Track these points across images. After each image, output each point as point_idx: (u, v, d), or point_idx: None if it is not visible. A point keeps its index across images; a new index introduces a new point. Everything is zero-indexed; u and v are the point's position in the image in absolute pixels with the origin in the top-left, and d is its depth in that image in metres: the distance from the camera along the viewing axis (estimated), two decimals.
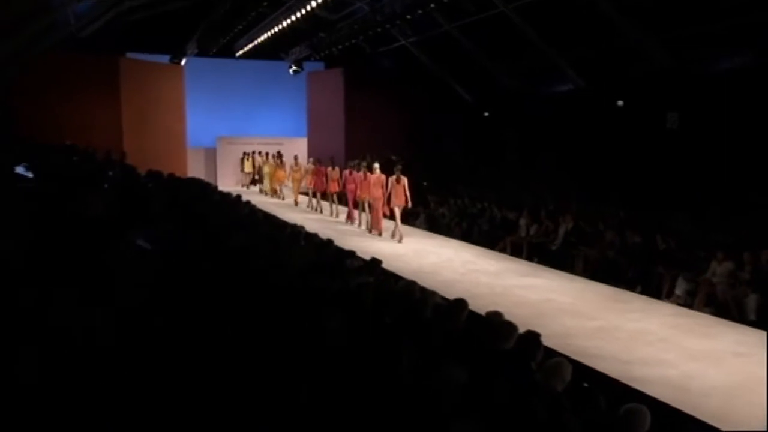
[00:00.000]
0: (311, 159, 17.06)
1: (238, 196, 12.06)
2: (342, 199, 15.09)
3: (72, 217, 4.88)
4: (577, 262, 10.20)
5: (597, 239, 10.36)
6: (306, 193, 16.50)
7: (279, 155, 17.47)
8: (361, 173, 13.13)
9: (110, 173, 12.27)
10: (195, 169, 19.69)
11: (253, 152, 20.73)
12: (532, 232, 11.73)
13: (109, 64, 17.41)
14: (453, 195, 14.83)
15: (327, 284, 5.41)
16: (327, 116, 21.46)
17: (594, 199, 12.45)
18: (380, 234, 12.36)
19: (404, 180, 11.92)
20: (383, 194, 12.13)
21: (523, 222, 12.04)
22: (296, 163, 17.53)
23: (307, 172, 16.51)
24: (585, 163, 14.78)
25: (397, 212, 11.92)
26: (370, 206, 12.77)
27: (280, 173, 18.91)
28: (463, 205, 14.09)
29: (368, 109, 20.63)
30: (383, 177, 12.35)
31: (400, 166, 12.52)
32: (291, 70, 20.95)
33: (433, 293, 5.54)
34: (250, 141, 21.54)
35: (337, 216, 15.00)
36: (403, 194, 11.81)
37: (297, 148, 20.09)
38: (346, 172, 14.30)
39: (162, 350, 3.16)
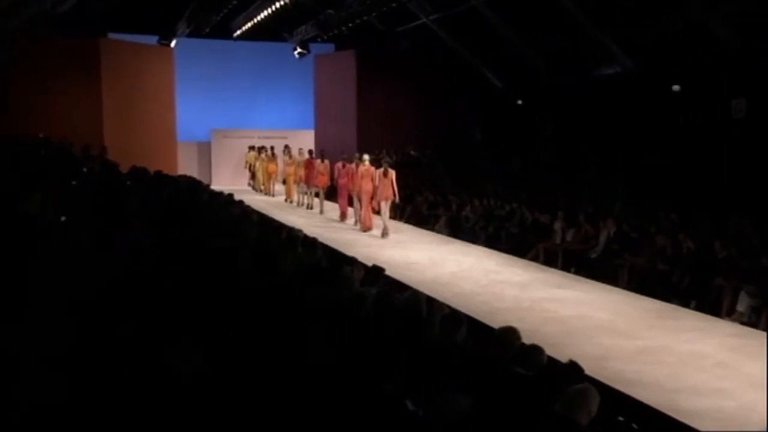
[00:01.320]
0: (300, 150, 17.58)
1: (230, 195, 12.24)
2: (331, 195, 16.05)
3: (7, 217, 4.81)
4: (621, 272, 10.08)
5: (644, 246, 10.24)
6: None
7: (287, 149, 17.64)
8: (352, 165, 13.91)
9: (84, 169, 12.33)
10: (186, 166, 19.78)
11: (262, 147, 20.52)
12: (568, 237, 11.70)
13: (89, 47, 17.51)
14: (478, 195, 14.83)
15: (317, 295, 5.36)
16: (337, 106, 21.60)
17: (641, 199, 12.33)
18: (370, 229, 13.21)
19: (392, 173, 12.81)
20: (372, 188, 12.96)
21: (558, 226, 11.99)
22: (289, 156, 17.95)
23: (299, 165, 17.02)
24: (632, 157, 14.58)
25: (384, 207, 12.73)
26: (359, 201, 13.57)
27: (272, 167, 19.25)
28: (490, 206, 14.08)
29: (384, 97, 20.75)
30: (372, 170, 13.14)
31: (388, 159, 13.09)
32: (296, 53, 21.00)
33: (441, 306, 5.41)
34: (249, 134, 21.58)
35: (321, 212, 15.82)
36: (390, 188, 12.66)
37: (303, 141, 20.12)
38: (339, 164, 14.93)
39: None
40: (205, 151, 21.89)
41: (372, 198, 13.15)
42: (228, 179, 21.04)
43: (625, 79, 15.80)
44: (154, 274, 5.12)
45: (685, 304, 8.69)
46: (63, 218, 6.17)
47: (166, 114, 19.43)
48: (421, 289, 7.94)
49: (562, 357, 4.40)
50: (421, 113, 20.85)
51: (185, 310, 4.43)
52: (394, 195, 12.71)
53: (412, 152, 20.81)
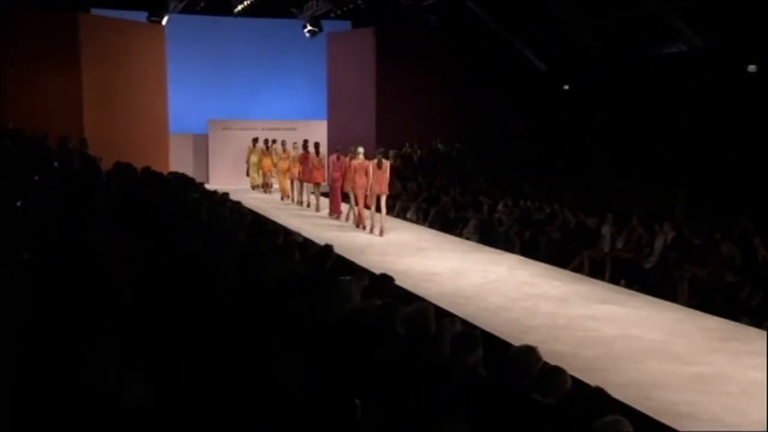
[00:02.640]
0: (294, 144, 18.01)
1: (225, 195, 12.48)
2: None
3: None
4: (681, 285, 9.93)
5: (709, 255, 10.10)
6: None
7: (304, 144, 17.53)
8: (347, 159, 14.58)
9: (55, 164, 12.46)
10: (180, 162, 19.88)
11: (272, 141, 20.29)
12: (619, 244, 11.57)
13: (66, 22, 17.60)
14: (514, 195, 14.88)
15: (299, 310, 5.39)
16: (353, 92, 21.73)
17: (706, 200, 12.20)
18: (365, 228, 14.00)
19: (387, 165, 13.65)
20: (366, 182, 13.70)
21: (606, 231, 11.88)
22: (284, 150, 18.32)
23: (294, 160, 17.41)
24: (696, 151, 14.43)
25: (380, 201, 13.42)
26: (354, 197, 14.34)
27: (266, 161, 19.45)
28: (527, 208, 14.12)
29: (407, 83, 20.84)
30: (366, 163, 13.81)
31: (382, 149, 14.41)
32: (306, 32, 21.09)
33: (453, 321, 5.31)
34: (252, 126, 21.60)
35: (318, 210, 16.57)
36: (384, 181, 13.46)
37: (315, 133, 20.07)
38: (333, 157, 15.51)
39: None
40: (201, 144, 21.95)
41: (366, 193, 13.84)
42: (228, 177, 21.05)
43: (691, 59, 15.68)
44: (107, 280, 5.05)
45: (757, 323, 8.49)
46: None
47: (156, 102, 19.58)
48: (439, 303, 8.03)
49: (603, 385, 4.24)
50: (451, 101, 20.93)
51: (138, 326, 4.50)
52: (388, 188, 13.58)
53: (439, 146, 21.01)
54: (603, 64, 18.03)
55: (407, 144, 20.94)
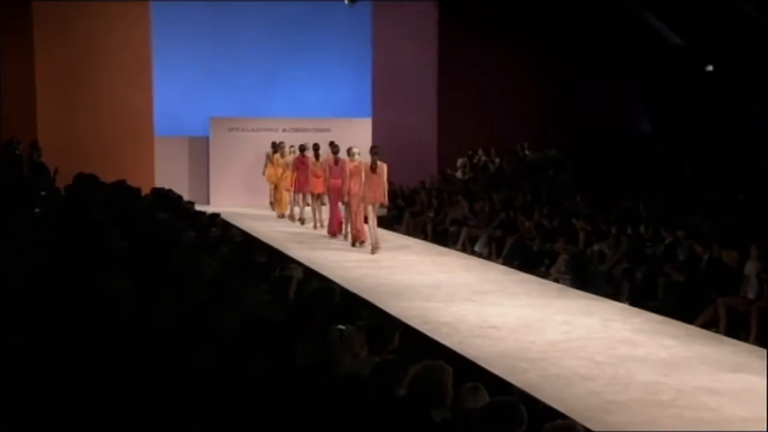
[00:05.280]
0: (291, 148, 18.84)
1: (214, 215, 13.01)
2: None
3: None
4: None
5: None
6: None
7: (301, 146, 18.18)
8: (346, 161, 15.87)
9: None
10: (170, 174, 20.13)
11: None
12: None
13: None
14: (620, 220, 14.67)
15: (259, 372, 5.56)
16: (408, 80, 21.77)
17: None
18: (363, 244, 15.41)
19: (383, 168, 14.87)
20: (360, 188, 14.98)
21: (752, 270, 11.55)
22: (281, 154, 19.16)
23: (288, 166, 18.31)
24: None
25: (372, 212, 14.85)
26: (349, 206, 15.76)
27: (269, 172, 19.99)
28: (640, 237, 13.90)
29: (481, 68, 20.90)
30: (362, 166, 15.08)
31: (376, 148, 15.53)
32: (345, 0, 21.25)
33: (476, 388, 5.63)
34: (268, 125, 21.81)
35: (315, 227, 18.01)
36: (380, 188, 14.83)
37: (355, 135, 20.14)
38: (330, 161, 16.70)
39: None
40: (200, 150, 22.15)
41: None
42: (236, 195, 21.24)
43: None
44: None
45: None
46: None
47: (137, 95, 19.93)
48: (491, 366, 8.38)
49: None
50: (543, 92, 21.03)
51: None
52: (384, 196, 15.08)
53: (526, 152, 21.10)
54: (761, 36, 17.83)
55: (480, 150, 21.04)
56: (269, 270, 9.71)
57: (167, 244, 9.68)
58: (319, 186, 17.42)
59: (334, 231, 16.85)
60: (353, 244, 15.59)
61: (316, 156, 17.51)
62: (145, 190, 15.27)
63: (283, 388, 5.25)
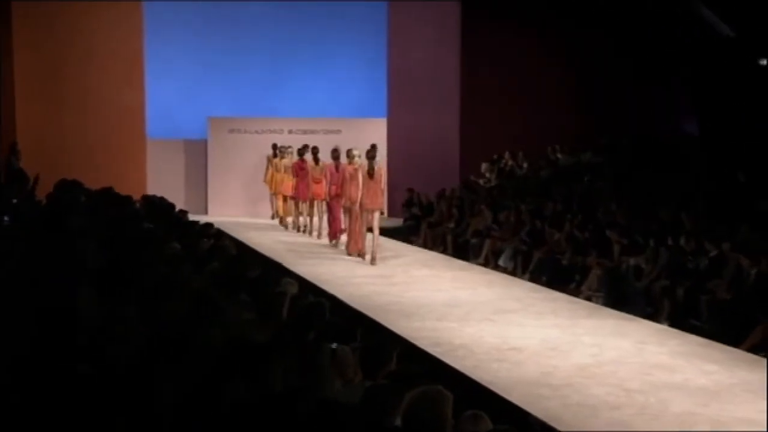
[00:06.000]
0: (288, 148, 19.28)
1: (207, 225, 13.38)
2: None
3: None
4: None
5: None
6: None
7: (300, 150, 18.48)
8: (345, 164, 16.31)
9: None
10: (164, 180, 20.20)
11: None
12: None
13: None
14: (660, 232, 14.58)
15: (233, 394, 5.61)
16: (427, 78, 21.80)
17: None
18: (360, 255, 15.91)
19: (380, 172, 15.54)
20: (357, 193, 15.43)
21: None
22: (281, 158, 19.43)
23: (286, 170, 18.75)
24: None
25: (376, 220, 15.49)
26: (348, 213, 16.25)
27: (270, 176, 20.23)
28: (680, 250, 13.83)
29: (507, 64, 20.94)
30: (361, 169, 15.50)
31: (371, 149, 15.67)
32: None
33: (478, 417, 5.62)
34: (273, 125, 21.88)
35: (320, 236, 18.47)
36: (379, 194, 15.50)
37: (368, 136, 20.04)
38: (330, 166, 17.16)
39: None
40: (197, 154, 22.18)
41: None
42: (236, 203, 21.31)
43: None
44: None
45: None
46: None
47: (127, 94, 19.96)
48: (509, 394, 8.32)
49: None
50: (577, 90, 21.07)
51: None
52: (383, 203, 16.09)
53: (558, 155, 21.13)
54: None
55: (507, 153, 21.03)
56: (262, 285, 9.62)
57: (147, 258, 9.76)
58: (319, 192, 17.73)
59: (335, 233, 17.39)
60: (349, 253, 16.11)
61: (316, 160, 17.82)
62: (136, 198, 15.31)
63: (259, 416, 5.24)
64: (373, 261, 15.26)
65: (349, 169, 15.67)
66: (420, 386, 5.46)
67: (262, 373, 5.90)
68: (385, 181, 15.78)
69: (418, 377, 6.46)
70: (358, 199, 15.33)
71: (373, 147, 15.79)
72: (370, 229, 15.56)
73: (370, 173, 15.07)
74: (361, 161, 15.52)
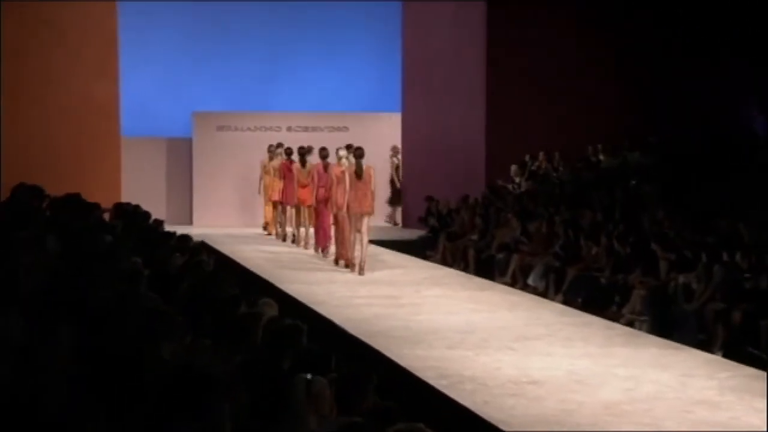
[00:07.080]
0: (278, 148, 19.72)
1: (184, 237, 13.68)
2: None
3: None
4: None
5: None
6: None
7: (287, 150, 19.05)
8: (336, 165, 16.82)
9: None
10: (142, 185, 20.42)
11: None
12: None
13: None
14: (715, 246, 14.62)
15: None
16: (447, 68, 22.07)
17: None
18: (348, 265, 16.57)
19: (370, 173, 16.03)
20: (343, 199, 16.08)
21: None
22: (270, 157, 19.97)
23: (275, 173, 19.34)
24: None
25: (365, 226, 15.97)
26: (335, 219, 16.92)
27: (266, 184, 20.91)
28: (735, 268, 13.94)
29: (540, 51, 21.26)
30: (348, 171, 16.09)
31: (358, 149, 16.23)
32: None
33: None
34: (268, 121, 22.02)
35: (301, 244, 19.29)
36: (368, 196, 15.99)
37: (380, 133, 20.56)
38: (318, 167, 17.80)
39: None
40: (180, 154, 22.28)
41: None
42: (225, 211, 21.44)
43: None
44: None
45: None
46: None
47: (99, 86, 20.07)
48: None
49: None
50: (620, 81, 21.25)
51: None
52: (372, 206, 16.19)
53: (600, 157, 21.11)
54: None
55: (541, 154, 21.03)
56: (234, 306, 9.54)
57: (101, 276, 9.83)
58: (305, 197, 18.41)
59: (322, 244, 18.18)
60: (336, 263, 17.07)
61: (302, 162, 18.48)
62: (107, 206, 15.29)
63: None
64: (360, 271, 15.85)
65: (337, 171, 16.32)
66: (398, 425, 5.47)
67: (205, 411, 5.74)
68: (376, 182, 16.07)
69: (396, 414, 6.63)
70: (344, 205, 15.85)
71: (358, 148, 16.24)
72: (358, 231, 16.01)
73: (358, 174, 15.65)
74: (349, 162, 16.11)
